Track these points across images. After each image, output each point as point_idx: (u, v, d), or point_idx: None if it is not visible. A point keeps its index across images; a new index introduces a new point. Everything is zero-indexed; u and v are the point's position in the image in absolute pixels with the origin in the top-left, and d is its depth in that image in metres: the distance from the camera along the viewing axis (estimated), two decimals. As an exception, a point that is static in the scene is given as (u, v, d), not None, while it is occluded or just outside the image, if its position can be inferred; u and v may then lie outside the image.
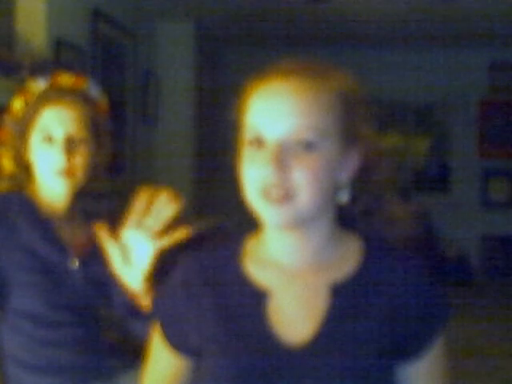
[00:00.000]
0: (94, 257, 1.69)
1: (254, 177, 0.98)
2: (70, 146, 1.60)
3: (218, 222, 5.11)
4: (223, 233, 5.07)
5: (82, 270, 1.64)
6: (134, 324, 1.51)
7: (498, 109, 7.00)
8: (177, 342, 1.09)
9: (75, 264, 1.64)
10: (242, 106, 1.03)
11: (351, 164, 1.03)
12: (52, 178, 1.62)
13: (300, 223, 0.99)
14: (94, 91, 1.71)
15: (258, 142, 0.98)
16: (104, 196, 1.82)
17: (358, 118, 1.03)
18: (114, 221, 1.44)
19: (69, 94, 1.63)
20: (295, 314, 1.02)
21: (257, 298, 1.03)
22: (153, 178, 5.51)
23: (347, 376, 0.98)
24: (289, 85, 0.98)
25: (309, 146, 0.96)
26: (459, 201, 7.03)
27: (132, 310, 1.46)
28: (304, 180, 0.96)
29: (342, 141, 1.00)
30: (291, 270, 1.04)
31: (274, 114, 0.97)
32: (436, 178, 7.29)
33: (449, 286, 5.04)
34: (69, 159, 1.59)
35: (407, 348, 1.02)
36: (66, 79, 1.67)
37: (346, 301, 1.01)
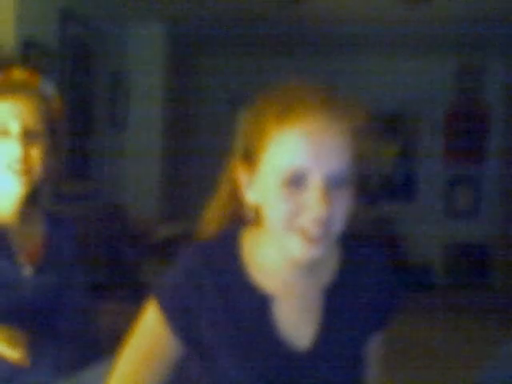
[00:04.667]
0: (49, 264, 1.66)
1: (291, 214, 0.99)
2: (27, 139, 1.58)
3: (185, 227, 5.10)
4: (190, 238, 5.07)
5: (35, 278, 1.61)
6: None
7: (464, 117, 7.11)
8: (181, 332, 1.08)
9: (28, 271, 1.61)
10: (267, 141, 1.02)
11: None
12: (6, 175, 1.58)
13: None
14: (47, 88, 1.69)
15: (299, 180, 0.98)
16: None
17: (366, 144, 1.10)
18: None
19: (22, 89, 1.61)
20: (297, 317, 1.09)
21: (263, 303, 1.07)
22: (120, 183, 5.47)
23: (346, 367, 1.10)
24: (326, 124, 1.00)
25: (345, 182, 1.00)
26: (424, 208, 7.13)
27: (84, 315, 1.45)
28: (342, 215, 1.01)
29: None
30: (291, 276, 1.09)
31: (319, 154, 0.98)
32: (402, 186, 7.37)
33: (412, 291, 5.14)
34: (26, 153, 1.57)
35: (375, 324, 1.17)
36: (18, 74, 1.66)
37: (336, 301, 1.11)
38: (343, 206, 1.01)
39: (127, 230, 4.32)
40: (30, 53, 3.58)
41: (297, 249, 1.00)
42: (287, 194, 0.99)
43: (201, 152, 7.02)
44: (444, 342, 4.71)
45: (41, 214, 1.74)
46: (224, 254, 1.10)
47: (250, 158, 1.05)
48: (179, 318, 1.07)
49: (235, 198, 1.14)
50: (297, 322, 1.09)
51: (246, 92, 7.14)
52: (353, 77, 6.96)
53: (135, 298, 3.76)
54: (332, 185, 0.99)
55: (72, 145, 4.12)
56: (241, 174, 1.09)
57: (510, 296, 6.30)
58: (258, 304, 1.07)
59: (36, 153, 1.59)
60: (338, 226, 1.01)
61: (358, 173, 1.06)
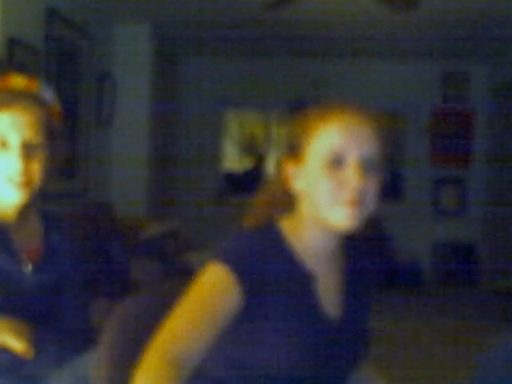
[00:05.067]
0: (48, 261, 1.68)
1: (335, 189, 1.21)
2: (27, 151, 1.56)
3: (171, 226, 5.10)
4: (177, 236, 5.06)
5: (35, 275, 1.62)
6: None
7: (449, 118, 7.17)
8: (248, 286, 1.19)
9: (28, 269, 1.61)
10: (313, 136, 1.25)
11: None
12: (6, 187, 1.57)
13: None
14: (47, 94, 1.67)
15: (339, 161, 1.21)
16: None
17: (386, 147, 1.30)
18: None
19: (22, 98, 1.57)
20: (330, 292, 1.30)
21: (309, 280, 1.27)
22: (106, 181, 5.46)
23: (362, 336, 1.35)
24: (358, 121, 1.25)
25: (376, 166, 1.24)
26: (411, 208, 7.18)
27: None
28: (374, 195, 1.23)
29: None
30: (325, 257, 1.31)
31: (354, 140, 1.22)
32: (389, 186, 7.41)
33: (400, 289, 5.19)
34: (26, 166, 1.55)
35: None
36: (17, 81, 1.61)
37: (352, 280, 1.35)
38: (375, 187, 1.23)
39: (114, 228, 4.31)
40: (14, 51, 3.56)
41: (341, 217, 1.20)
42: (330, 173, 1.21)
43: (187, 151, 7.03)
44: (430, 339, 4.74)
45: (37, 213, 1.74)
46: (271, 241, 1.27)
47: (297, 152, 1.27)
48: (247, 273, 1.20)
49: (283, 189, 1.32)
50: (330, 295, 1.30)
51: (231, 92, 7.18)
52: (341, 79, 7.01)
53: (123, 294, 3.75)
54: (365, 165, 1.21)
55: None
56: (289, 168, 1.29)
57: (494, 294, 6.36)
58: (305, 280, 1.26)
59: (36, 165, 1.58)
60: (371, 204, 1.23)
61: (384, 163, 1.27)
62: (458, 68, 7.11)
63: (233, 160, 7.70)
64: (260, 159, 7.99)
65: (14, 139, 1.55)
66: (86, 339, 1.66)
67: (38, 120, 1.59)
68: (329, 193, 1.20)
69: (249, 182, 7.12)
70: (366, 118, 1.26)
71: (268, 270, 1.22)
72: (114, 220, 4.46)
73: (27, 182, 1.57)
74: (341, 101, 1.31)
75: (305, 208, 1.28)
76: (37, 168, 1.58)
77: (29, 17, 3.87)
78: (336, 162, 1.21)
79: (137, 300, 1.47)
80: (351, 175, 1.19)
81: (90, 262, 3.33)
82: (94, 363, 1.30)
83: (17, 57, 3.58)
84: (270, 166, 7.38)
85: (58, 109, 1.70)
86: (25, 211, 1.66)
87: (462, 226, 7.15)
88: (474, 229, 7.09)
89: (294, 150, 1.28)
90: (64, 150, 1.71)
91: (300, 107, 7.26)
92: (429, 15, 5.08)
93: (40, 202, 1.74)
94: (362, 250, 1.41)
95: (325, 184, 1.21)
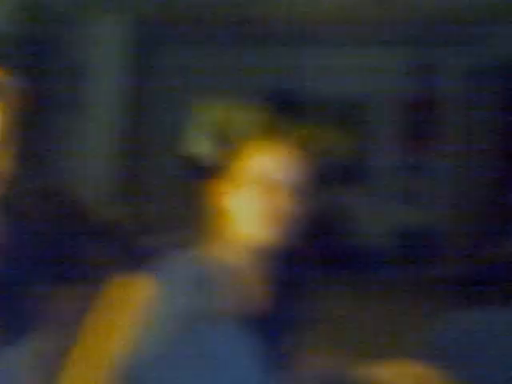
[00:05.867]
0: (10, 253, 1.66)
1: (264, 209, 1.30)
2: None
3: (132, 209, 5.09)
4: (136, 220, 5.06)
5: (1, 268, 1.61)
6: None
7: (417, 107, 7.28)
8: None
9: None
10: (248, 161, 1.35)
11: None
12: None
13: None
14: (16, 84, 1.64)
15: (269, 183, 1.31)
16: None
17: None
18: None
19: None
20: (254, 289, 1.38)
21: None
22: (78, 173, 5.41)
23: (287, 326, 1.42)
24: (293, 147, 1.35)
25: (300, 191, 1.32)
26: (374, 193, 7.28)
27: None
28: (301, 217, 1.33)
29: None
30: (247, 271, 1.38)
31: (288, 167, 1.33)
32: (357, 173, 7.52)
33: (362, 273, 5.21)
34: None
35: None
36: None
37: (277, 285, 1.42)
38: (303, 210, 1.32)
39: (75, 210, 4.29)
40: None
41: (267, 236, 1.30)
42: (261, 194, 1.30)
43: (153, 137, 7.00)
44: (383, 325, 4.83)
45: None
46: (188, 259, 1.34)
47: (233, 173, 1.37)
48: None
49: (216, 210, 1.39)
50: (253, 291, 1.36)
51: (202, 82, 7.14)
52: (312, 68, 7.05)
53: (82, 279, 3.74)
54: (295, 190, 1.31)
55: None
56: (221, 186, 1.38)
57: (453, 279, 6.52)
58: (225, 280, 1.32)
59: (2, 162, 1.49)
60: (299, 225, 1.32)
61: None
62: (424, 58, 7.20)
63: (199, 147, 7.71)
64: (228, 146, 7.99)
65: None
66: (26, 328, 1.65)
67: (6, 108, 1.55)
68: (258, 213, 1.30)
69: (214, 168, 7.12)
70: (300, 146, 1.36)
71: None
72: (74, 203, 4.44)
73: None
74: (280, 131, 1.41)
75: (233, 226, 1.35)
76: (3, 165, 1.50)
77: (3, 6, 3.80)
78: (267, 185, 1.30)
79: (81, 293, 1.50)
80: (280, 198, 1.29)
81: (48, 247, 3.31)
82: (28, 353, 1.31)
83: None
84: (237, 155, 7.38)
85: (28, 97, 1.67)
86: None
87: (424, 213, 7.28)
88: (435, 215, 7.23)
89: (229, 171, 1.38)
90: (28, 139, 1.69)
91: (271, 95, 7.30)
92: (395, 5, 5.15)
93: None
94: (294, 254, 1.46)
95: (255, 204, 1.30)
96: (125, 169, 6.23)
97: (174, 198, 6.85)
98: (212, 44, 6.94)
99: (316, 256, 1.50)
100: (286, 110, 7.10)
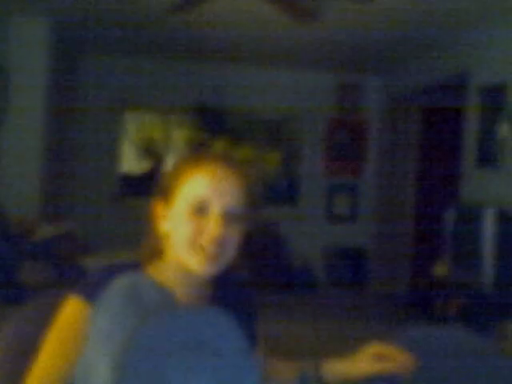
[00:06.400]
0: None
1: (195, 234, 1.28)
2: None
3: (66, 227, 4.98)
4: (71, 239, 4.95)
5: None
6: None
7: (343, 128, 7.45)
8: None
9: None
10: (182, 182, 1.32)
11: None
12: None
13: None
14: None
15: (202, 209, 1.28)
16: None
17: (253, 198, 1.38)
18: None
19: None
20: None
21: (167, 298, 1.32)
22: (4, 190, 5.27)
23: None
24: (225, 173, 1.31)
25: (238, 217, 1.31)
26: (306, 214, 7.39)
27: None
28: (234, 243, 1.31)
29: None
30: (187, 294, 1.35)
31: (218, 191, 1.29)
32: (285, 192, 7.60)
33: (293, 292, 5.30)
34: None
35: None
36: None
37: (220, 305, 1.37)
38: (235, 237, 1.30)
39: (6, 229, 4.17)
40: None
41: (197, 263, 1.27)
42: (192, 219, 1.28)
43: (83, 150, 6.88)
44: (317, 340, 4.89)
45: None
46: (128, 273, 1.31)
47: (167, 195, 1.33)
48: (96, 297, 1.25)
49: (153, 230, 1.37)
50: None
51: (131, 93, 7.09)
52: (240, 86, 7.12)
53: (13, 297, 3.63)
54: (227, 216, 1.28)
55: None
56: (159, 209, 1.35)
57: (382, 297, 6.66)
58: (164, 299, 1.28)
59: None
60: (230, 253, 1.30)
61: (248, 215, 1.34)
62: (353, 79, 7.40)
63: (130, 162, 7.61)
64: (158, 162, 7.95)
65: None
66: None
67: None
68: (188, 238, 1.27)
69: (146, 184, 7.06)
70: (235, 170, 1.33)
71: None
72: (6, 221, 4.31)
73: None
74: (215, 153, 1.38)
75: (169, 249, 1.33)
76: None
77: None
78: (199, 210, 1.28)
79: (24, 313, 1.45)
80: (211, 224, 1.27)
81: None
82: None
83: None
84: (168, 169, 7.31)
85: None
86: None
87: (353, 232, 7.45)
88: (364, 233, 7.41)
89: (164, 193, 1.34)
90: None
91: (199, 111, 7.32)
92: (326, 28, 5.28)
93: None
94: (233, 281, 1.45)
95: (186, 229, 1.28)
96: (57, 185, 6.09)
97: (111, 216, 6.75)
98: (138, 55, 6.92)
99: (251, 279, 1.50)
100: (211, 127, 7.12)
